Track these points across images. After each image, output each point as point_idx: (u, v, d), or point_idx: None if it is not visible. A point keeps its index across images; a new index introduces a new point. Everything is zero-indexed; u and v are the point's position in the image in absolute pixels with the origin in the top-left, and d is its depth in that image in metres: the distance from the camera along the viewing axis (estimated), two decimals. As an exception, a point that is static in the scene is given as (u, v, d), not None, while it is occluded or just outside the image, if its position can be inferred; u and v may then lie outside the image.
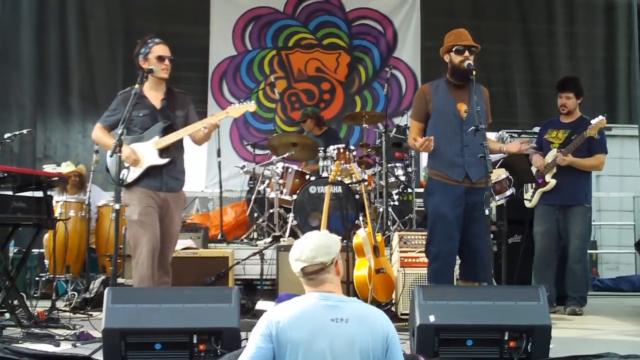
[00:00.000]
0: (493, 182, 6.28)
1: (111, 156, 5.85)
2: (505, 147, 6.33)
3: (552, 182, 7.47)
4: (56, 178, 6.84)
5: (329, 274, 3.55)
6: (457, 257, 6.11)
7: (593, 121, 7.18)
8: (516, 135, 8.71)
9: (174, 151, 6.09)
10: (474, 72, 5.86)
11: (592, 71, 11.92)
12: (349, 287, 6.99)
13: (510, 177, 7.08)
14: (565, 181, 7.46)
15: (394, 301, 7.14)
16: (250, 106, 6.28)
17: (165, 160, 6.00)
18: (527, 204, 7.73)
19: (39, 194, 6.65)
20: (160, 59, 6.07)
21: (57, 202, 8.03)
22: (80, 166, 8.75)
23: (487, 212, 5.47)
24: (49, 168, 7.60)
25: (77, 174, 8.73)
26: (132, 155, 5.89)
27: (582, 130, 7.32)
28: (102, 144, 6.22)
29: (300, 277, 3.57)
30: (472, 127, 5.66)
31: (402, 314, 6.89)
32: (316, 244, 3.57)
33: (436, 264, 5.97)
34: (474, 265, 5.88)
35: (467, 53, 5.95)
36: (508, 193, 7.15)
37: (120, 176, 5.83)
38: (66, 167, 8.74)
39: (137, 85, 5.87)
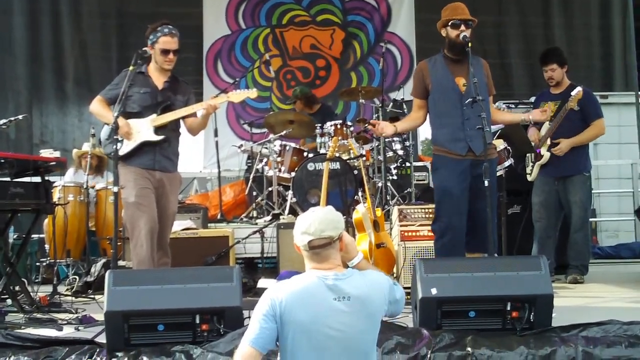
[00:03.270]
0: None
1: (107, 139, 5.81)
2: (530, 115, 6.30)
3: (547, 155, 7.45)
4: (54, 163, 6.80)
5: (333, 250, 3.52)
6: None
7: (572, 93, 7.12)
8: (513, 106, 8.66)
9: (169, 131, 6.10)
10: (469, 45, 5.83)
11: (588, 40, 11.91)
12: (350, 263, 7.00)
13: (508, 147, 7.09)
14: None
15: (395, 275, 7.14)
16: (252, 93, 6.32)
17: (159, 137, 6.01)
18: (529, 178, 7.72)
19: (37, 179, 6.64)
20: (164, 52, 6.07)
21: (55, 186, 8.01)
22: (100, 149, 8.69)
23: (486, 183, 5.45)
24: (45, 153, 7.56)
25: (96, 156, 8.70)
26: (125, 128, 5.86)
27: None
28: (99, 115, 6.17)
29: (304, 250, 3.52)
30: (469, 99, 5.64)
31: (404, 288, 6.85)
32: (325, 218, 3.53)
33: (445, 238, 5.95)
34: (479, 236, 5.86)
35: (463, 27, 5.91)
36: (507, 164, 7.18)
37: (113, 148, 5.82)
38: (86, 147, 8.78)
39: (131, 67, 5.84)
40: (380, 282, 3.57)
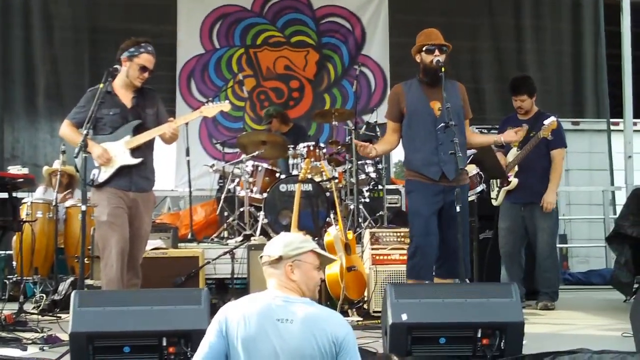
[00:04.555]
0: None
1: (76, 156, 5.74)
2: (503, 137, 6.32)
3: (514, 181, 7.49)
4: (22, 179, 6.72)
5: (275, 270, 3.57)
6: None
7: (546, 122, 7.15)
8: (485, 131, 8.71)
9: (145, 150, 6.03)
10: (442, 69, 5.84)
11: (560, 66, 11.97)
12: (320, 285, 6.96)
13: (480, 173, 7.10)
14: (528, 179, 7.47)
15: (366, 299, 7.11)
16: (224, 106, 6.27)
17: (137, 160, 5.93)
18: (494, 202, 7.75)
19: (4, 195, 6.55)
20: (142, 69, 6.00)
21: (24, 203, 7.92)
22: (71, 167, 8.57)
23: (458, 209, 5.45)
24: (14, 169, 7.49)
25: (67, 173, 8.59)
26: (105, 155, 5.81)
27: (540, 124, 7.30)
28: (70, 141, 6.10)
29: (263, 267, 3.64)
30: (442, 124, 5.64)
31: (374, 312, 6.86)
32: (279, 238, 3.67)
33: (414, 260, 5.96)
34: (450, 261, 5.86)
35: (437, 52, 5.94)
36: (479, 189, 7.20)
37: (91, 176, 5.77)
38: (57, 164, 8.63)
39: (101, 85, 5.79)
40: (332, 323, 3.46)
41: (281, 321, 3.39)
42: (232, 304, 3.51)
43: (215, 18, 11.81)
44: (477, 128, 8.64)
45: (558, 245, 8.40)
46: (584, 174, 11.65)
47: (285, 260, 3.55)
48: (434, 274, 6.10)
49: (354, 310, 6.92)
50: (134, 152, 5.95)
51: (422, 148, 5.97)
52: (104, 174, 5.88)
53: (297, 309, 3.44)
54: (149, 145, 6.10)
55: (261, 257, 3.62)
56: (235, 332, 3.39)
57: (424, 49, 5.99)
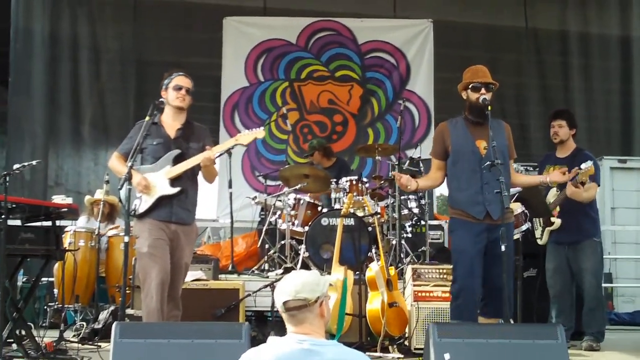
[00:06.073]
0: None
1: (120, 188, 5.77)
2: (549, 177, 6.24)
3: (558, 222, 7.35)
4: (65, 209, 6.76)
5: (310, 314, 3.40)
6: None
7: (582, 166, 6.98)
8: (531, 169, 8.60)
9: (186, 182, 6.01)
10: (489, 108, 5.78)
11: (608, 103, 11.89)
12: (361, 321, 6.92)
13: (525, 211, 6.99)
14: (571, 218, 7.34)
15: (407, 335, 7.03)
16: (259, 133, 6.22)
17: (175, 190, 5.92)
18: (539, 242, 7.63)
19: (48, 224, 6.59)
20: (177, 88, 6.02)
21: (67, 231, 7.98)
22: (113, 197, 8.62)
23: (503, 248, 5.36)
24: (58, 199, 7.55)
25: (108, 203, 8.63)
26: (143, 182, 5.83)
27: (577, 164, 7.14)
28: (116, 172, 6.11)
29: (282, 312, 3.44)
30: (488, 163, 5.57)
31: (415, 349, 6.78)
32: (302, 280, 3.45)
33: (459, 301, 5.87)
34: (494, 301, 5.77)
35: (483, 90, 5.88)
36: (524, 227, 7.09)
37: (132, 206, 5.78)
38: (99, 194, 8.71)
39: (147, 118, 5.83)
40: None
41: None
42: (251, 352, 3.38)
43: (260, 52, 11.92)
44: (521, 165, 8.55)
45: (603, 285, 8.23)
46: (630, 213, 11.43)
47: (320, 299, 3.45)
48: (478, 311, 6.01)
49: (395, 346, 6.83)
50: (174, 182, 5.95)
51: (467, 187, 5.90)
52: (144, 204, 5.90)
53: (327, 351, 3.34)
54: (191, 177, 6.09)
55: (286, 302, 3.40)
56: None
57: (470, 86, 5.93)
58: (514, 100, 12.22)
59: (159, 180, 5.93)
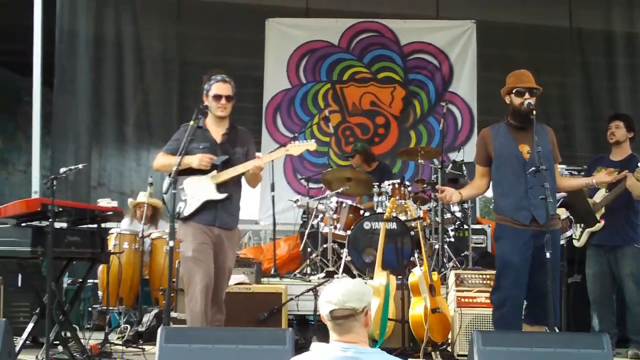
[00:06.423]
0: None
1: (165, 192, 5.78)
2: (595, 179, 6.19)
3: (599, 224, 7.25)
4: (111, 212, 6.83)
5: (357, 322, 3.41)
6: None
7: None
8: (575, 173, 8.50)
9: (231, 187, 6.03)
10: (534, 112, 5.72)
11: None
12: (404, 327, 6.89)
13: (570, 217, 6.90)
14: (613, 221, 7.23)
15: (450, 341, 6.99)
16: (311, 145, 6.25)
17: (222, 195, 5.95)
18: (575, 243, 7.52)
19: (93, 226, 6.66)
20: (216, 98, 6.03)
21: (111, 233, 8.05)
22: (156, 200, 8.67)
23: (548, 255, 5.30)
24: (103, 202, 7.62)
25: (152, 206, 8.69)
26: (205, 158, 5.88)
27: (632, 168, 7.05)
28: (164, 165, 6.05)
29: (327, 321, 3.44)
30: (532, 168, 5.52)
31: (458, 355, 6.76)
32: (349, 289, 3.45)
33: (504, 309, 5.81)
34: (539, 308, 5.70)
35: (527, 95, 5.81)
36: (569, 233, 7.02)
37: (177, 209, 5.80)
38: (142, 197, 8.77)
39: (191, 122, 5.85)
40: None
41: None
42: (300, 358, 3.39)
43: (302, 53, 11.92)
44: (566, 169, 8.45)
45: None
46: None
47: (366, 309, 3.46)
48: (522, 318, 5.95)
49: (438, 353, 6.80)
50: (220, 187, 5.97)
51: (511, 192, 5.84)
52: (189, 208, 5.92)
53: (371, 359, 3.35)
54: (235, 183, 6.11)
55: (333, 311, 3.41)
56: None
57: (514, 91, 5.87)
58: (558, 101, 12.07)
59: (204, 183, 5.96)
